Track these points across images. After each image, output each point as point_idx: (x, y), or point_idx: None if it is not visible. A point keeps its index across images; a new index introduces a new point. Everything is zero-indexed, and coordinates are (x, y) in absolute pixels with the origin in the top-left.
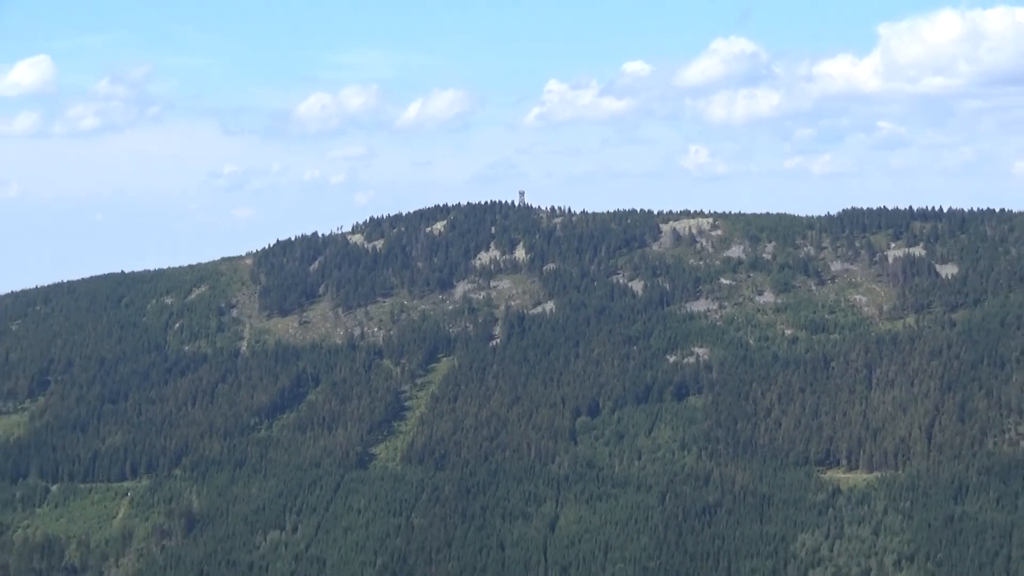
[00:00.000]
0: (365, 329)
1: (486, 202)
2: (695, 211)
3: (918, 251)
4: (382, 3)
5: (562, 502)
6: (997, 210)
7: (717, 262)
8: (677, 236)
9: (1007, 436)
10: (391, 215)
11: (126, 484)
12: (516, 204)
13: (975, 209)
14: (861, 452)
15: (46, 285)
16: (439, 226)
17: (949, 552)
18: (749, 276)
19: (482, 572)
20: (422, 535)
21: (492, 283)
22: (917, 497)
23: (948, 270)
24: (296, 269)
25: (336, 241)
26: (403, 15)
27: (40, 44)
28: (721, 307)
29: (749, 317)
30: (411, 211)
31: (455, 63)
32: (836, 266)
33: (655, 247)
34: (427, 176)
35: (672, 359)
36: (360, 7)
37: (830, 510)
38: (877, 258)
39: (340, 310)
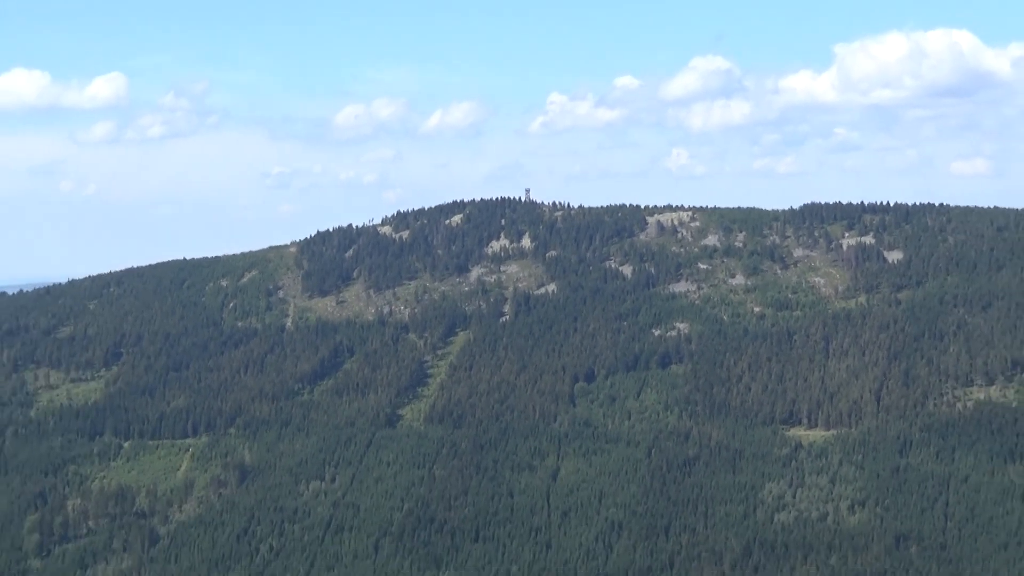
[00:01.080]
0: (393, 307)
1: (497, 198)
2: (676, 206)
3: (868, 240)
4: (408, 27)
5: (562, 456)
6: (937, 204)
7: (695, 249)
8: (661, 227)
9: (945, 399)
10: (415, 209)
11: (188, 441)
12: (523, 200)
13: (918, 204)
14: (819, 412)
15: (119, 270)
16: (456, 219)
17: (895, 498)
18: (723, 261)
19: (494, 516)
20: (442, 484)
21: (502, 268)
22: (868, 451)
23: (894, 256)
24: (334, 256)
25: (368, 232)
26: (426, 38)
27: (114, 63)
28: (699, 288)
29: (723, 297)
30: (432, 206)
31: (470, 79)
32: (798, 253)
33: (642, 237)
34: (446, 176)
35: (657, 333)
36: (389, 31)
37: (793, 462)
38: (833, 246)
39: (371, 291)
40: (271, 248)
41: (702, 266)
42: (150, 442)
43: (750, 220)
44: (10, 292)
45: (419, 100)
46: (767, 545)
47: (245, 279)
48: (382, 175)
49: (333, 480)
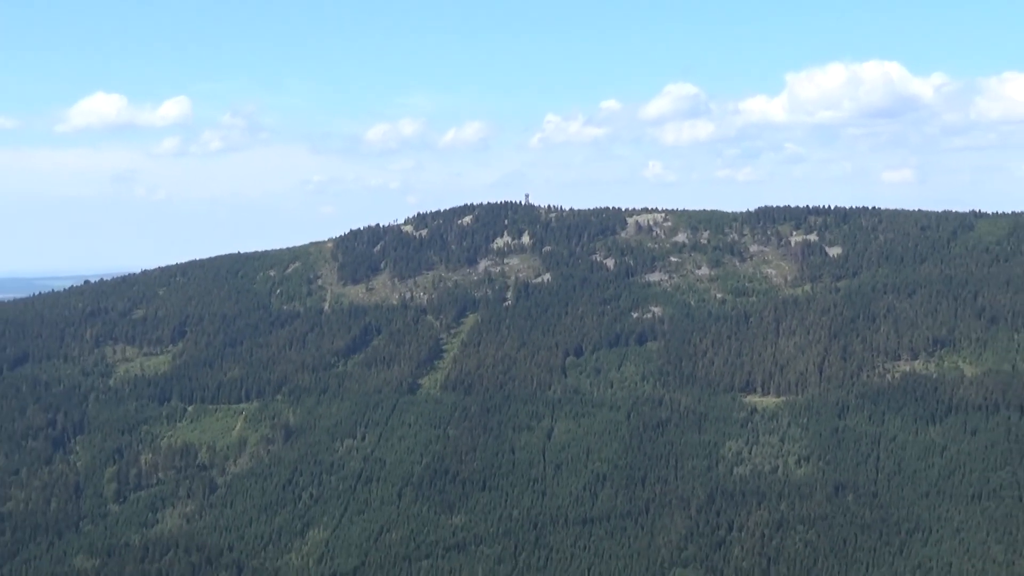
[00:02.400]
0: (413, 293)
1: (501, 202)
2: (651, 208)
3: (812, 237)
4: (428, 59)
5: (556, 418)
6: (870, 208)
7: (667, 245)
8: (639, 226)
9: (876, 371)
10: (432, 211)
11: (241, 405)
12: (523, 203)
13: (854, 207)
14: (771, 382)
15: (184, 262)
16: (467, 219)
17: (834, 454)
18: (690, 255)
19: (498, 469)
20: (455, 442)
21: (505, 260)
22: (811, 415)
23: (834, 251)
24: (364, 250)
25: (393, 230)
26: (443, 68)
27: (181, 88)
28: (670, 278)
29: (690, 285)
30: (447, 208)
31: (479, 103)
32: (753, 248)
33: (623, 234)
34: (458, 183)
35: (635, 315)
36: (413, 62)
37: (748, 424)
38: (783, 243)
39: (396, 280)
40: (311, 244)
41: (673, 259)
42: (210, 406)
43: (713, 221)
44: (93, 280)
45: (436, 120)
46: (727, 494)
47: (290, 270)
48: (405, 182)
49: (363, 438)
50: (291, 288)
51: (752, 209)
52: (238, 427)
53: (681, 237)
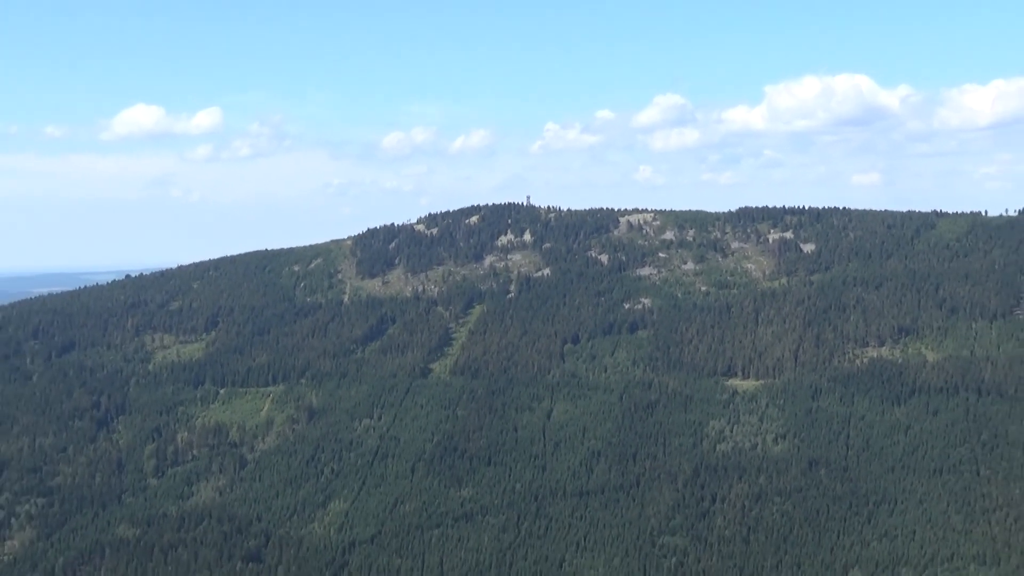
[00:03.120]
0: (425, 286)
1: (505, 203)
2: (642, 209)
3: (788, 235)
4: (438, 73)
5: (555, 400)
6: (841, 208)
7: (656, 243)
8: (630, 225)
9: (847, 356)
10: (442, 212)
11: (269, 388)
12: (525, 204)
13: (826, 207)
14: (751, 367)
15: (216, 258)
16: (474, 219)
17: (808, 432)
18: (678, 252)
19: (502, 446)
20: (463, 421)
21: (509, 256)
22: (787, 396)
23: (808, 247)
24: (380, 247)
25: (406, 229)
26: (452, 82)
27: (213, 99)
28: (659, 272)
29: (677, 279)
30: (455, 209)
31: (485, 113)
32: (734, 245)
33: (615, 232)
34: (466, 186)
35: (627, 306)
36: (424, 75)
37: (730, 405)
38: (761, 240)
39: (409, 274)
40: (332, 241)
41: (661, 255)
42: (240, 389)
43: (698, 220)
44: (133, 274)
45: (446, 128)
46: (711, 469)
47: (312, 265)
48: (417, 185)
49: (379, 418)
50: (313, 282)
51: (733, 209)
52: (266, 408)
53: (669, 235)
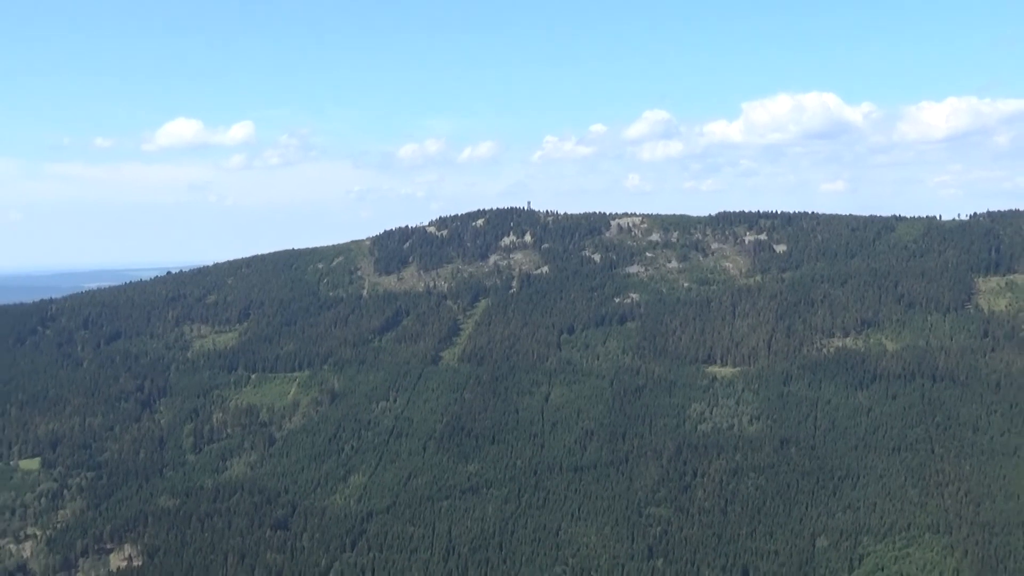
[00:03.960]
0: (436, 282)
1: (508, 208)
2: (631, 213)
3: (763, 237)
4: (448, 91)
5: (552, 384)
6: (810, 213)
7: (644, 243)
8: (620, 228)
9: (815, 346)
10: (452, 215)
11: (295, 374)
12: (526, 208)
13: (797, 212)
14: (728, 355)
15: (248, 256)
16: (480, 222)
17: (780, 414)
18: (663, 252)
19: (504, 426)
20: (470, 404)
21: (511, 256)
22: (761, 382)
23: (780, 248)
24: (395, 247)
25: (419, 231)
26: (461, 98)
27: (246, 114)
28: (646, 270)
29: (662, 276)
30: (464, 213)
31: (491, 127)
32: (714, 246)
33: (607, 234)
34: (473, 192)
35: (617, 300)
36: (436, 93)
37: (710, 390)
38: (738, 241)
39: (421, 271)
40: (352, 242)
41: (648, 255)
42: (269, 374)
43: (682, 223)
44: (173, 271)
45: (455, 140)
46: (692, 447)
47: (335, 263)
48: (429, 192)
49: (395, 401)
50: (336, 278)
51: (713, 214)
52: (292, 391)
53: (655, 237)
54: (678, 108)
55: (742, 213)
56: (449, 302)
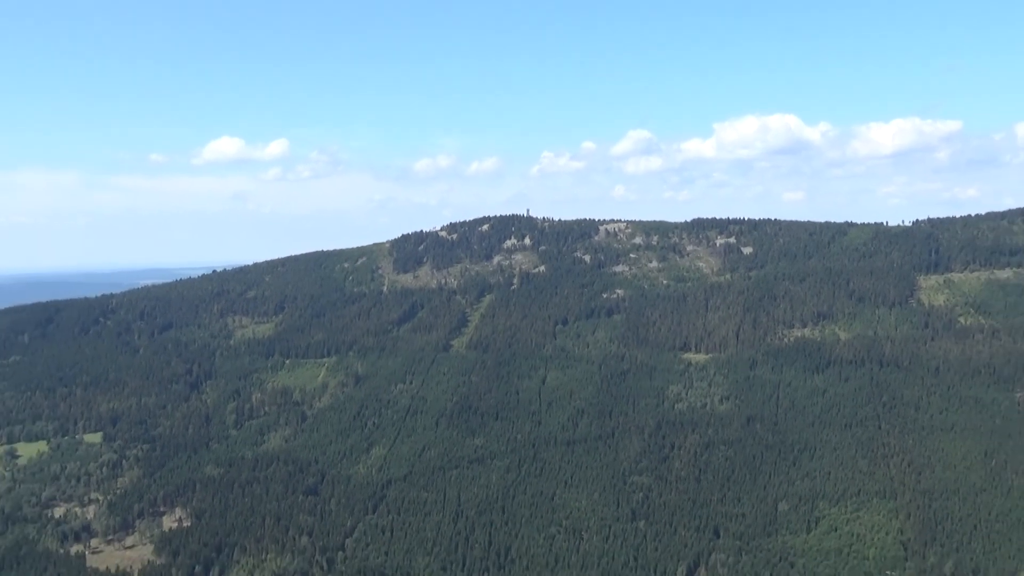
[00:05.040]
0: (447, 280)
1: (510, 215)
2: (617, 220)
3: (732, 240)
4: (458, 114)
5: (548, 369)
6: (773, 219)
7: (628, 246)
8: (607, 232)
9: (777, 335)
10: (461, 221)
11: (324, 359)
12: (525, 216)
13: (761, 219)
14: (702, 344)
15: (283, 257)
16: (485, 227)
17: (747, 395)
18: (644, 253)
19: (507, 405)
20: (476, 385)
21: (512, 256)
22: (731, 367)
23: (747, 250)
24: (411, 249)
25: (432, 235)
26: (469, 120)
27: (281, 133)
28: (630, 269)
29: (644, 274)
30: (471, 219)
31: (495, 144)
32: (689, 248)
33: (596, 238)
34: (480, 201)
35: (605, 295)
36: (446, 115)
37: (685, 373)
38: (711, 244)
39: (434, 270)
40: (374, 244)
41: (632, 256)
42: (301, 360)
43: (661, 229)
44: (218, 270)
45: (464, 156)
46: (670, 423)
47: (359, 263)
48: (441, 201)
49: (411, 383)
50: (359, 276)
51: (688, 220)
52: (321, 375)
53: (638, 240)
54: (658, 128)
55: (714, 220)
56: (458, 297)
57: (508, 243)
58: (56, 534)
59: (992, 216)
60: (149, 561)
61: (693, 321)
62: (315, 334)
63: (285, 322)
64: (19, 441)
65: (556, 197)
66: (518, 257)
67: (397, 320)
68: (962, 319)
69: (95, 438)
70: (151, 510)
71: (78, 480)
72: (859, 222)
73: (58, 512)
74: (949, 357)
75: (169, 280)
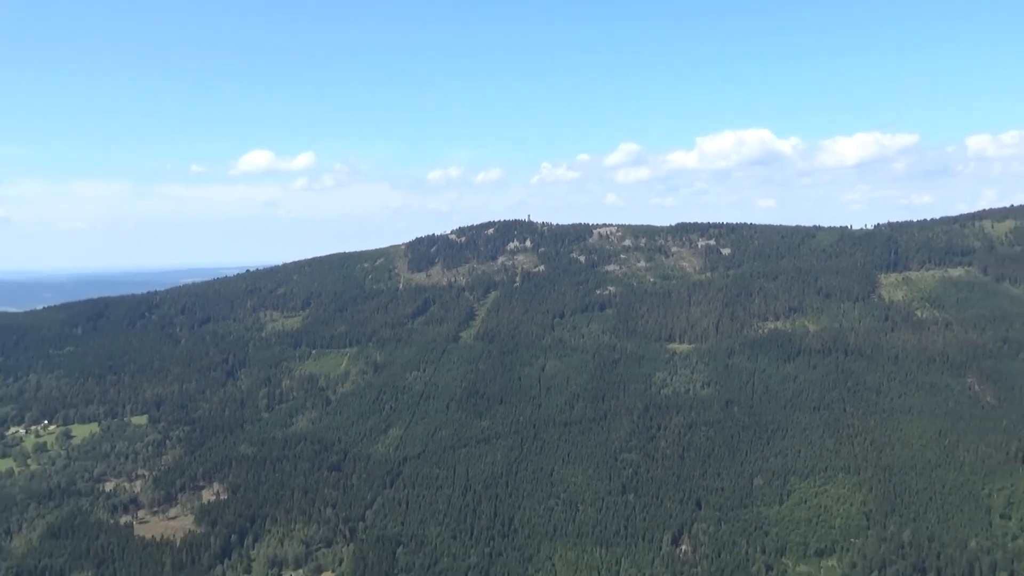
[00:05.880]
0: (456, 278)
1: (513, 220)
2: (609, 224)
3: (712, 242)
4: (466, 129)
5: (547, 358)
6: (748, 223)
7: (619, 247)
8: (600, 235)
9: (753, 327)
10: (469, 225)
11: (346, 349)
12: (527, 220)
13: (738, 223)
14: (685, 335)
15: (309, 258)
16: (491, 231)
17: (725, 381)
18: (633, 254)
19: (510, 390)
20: (483, 373)
21: (515, 257)
22: (711, 356)
23: (726, 251)
24: (425, 250)
25: (443, 238)
26: (476, 135)
27: (308, 146)
28: (620, 268)
29: (633, 273)
30: (478, 223)
31: (499, 156)
32: (674, 249)
33: (590, 241)
34: (486, 207)
35: (598, 291)
36: (456, 131)
37: (670, 362)
38: (693, 246)
39: (445, 269)
40: (391, 246)
41: (622, 256)
42: (326, 350)
43: (649, 232)
44: (251, 269)
45: (472, 167)
46: (656, 406)
47: (377, 263)
48: (451, 207)
49: (424, 370)
50: (377, 275)
51: (673, 224)
52: (344, 363)
53: (627, 242)
54: (646, 141)
55: (696, 224)
56: (466, 294)
57: (511, 245)
58: (107, 506)
59: (945, 220)
60: (190, 530)
61: (677, 315)
62: (338, 327)
63: (311, 316)
64: (73, 423)
65: (554, 204)
66: (520, 258)
67: (411, 314)
68: (918, 313)
69: (141, 420)
70: (192, 485)
71: (126, 458)
72: (826, 226)
73: (108, 486)
74: (907, 347)
75: (207, 279)
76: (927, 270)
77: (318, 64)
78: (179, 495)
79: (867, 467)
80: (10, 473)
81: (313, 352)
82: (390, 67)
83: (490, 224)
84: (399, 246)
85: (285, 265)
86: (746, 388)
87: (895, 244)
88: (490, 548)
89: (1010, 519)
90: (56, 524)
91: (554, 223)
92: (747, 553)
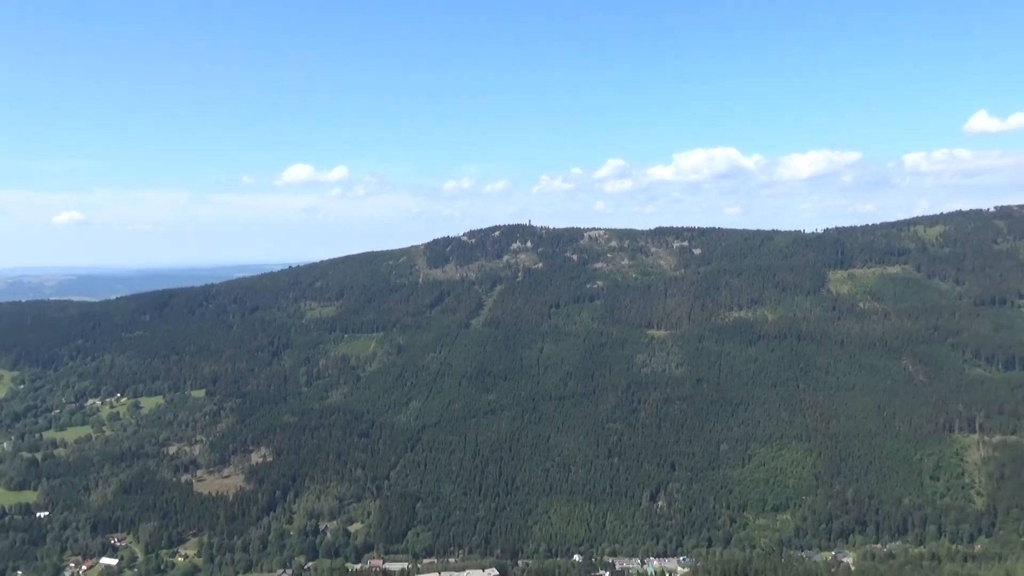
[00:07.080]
0: (468, 274)
1: (516, 224)
2: (597, 228)
3: (686, 244)
4: (476, 147)
5: (545, 342)
6: (717, 227)
7: (606, 248)
8: (590, 238)
9: (722, 316)
10: (478, 229)
11: (373, 334)
12: (528, 225)
13: (708, 227)
14: (663, 322)
15: (342, 256)
16: (497, 233)
17: (697, 362)
18: (619, 254)
19: (513, 368)
20: (490, 354)
21: (518, 256)
22: (685, 340)
23: (697, 251)
24: (441, 250)
25: (456, 240)
26: (484, 151)
27: (342, 161)
28: (607, 266)
29: (618, 270)
30: (486, 227)
31: (505, 169)
32: (653, 250)
33: (581, 242)
34: (493, 213)
35: (588, 285)
36: (468, 148)
37: (650, 345)
38: (669, 247)
39: (458, 266)
40: (411, 247)
41: (609, 256)
42: (356, 334)
43: (631, 235)
44: (293, 266)
45: (481, 179)
46: (637, 383)
47: (400, 260)
48: (463, 213)
49: (440, 352)
50: (400, 271)
51: (652, 228)
52: (372, 346)
53: (613, 244)
54: (631, 157)
55: (672, 228)
56: (476, 287)
57: (514, 246)
58: (170, 467)
59: (885, 226)
60: (241, 487)
61: (655, 305)
62: (367, 315)
63: (344, 306)
64: (142, 396)
65: (551, 211)
66: (522, 257)
67: (429, 304)
68: (861, 304)
69: (200, 393)
70: (242, 448)
71: (187, 425)
72: (783, 230)
73: (171, 450)
74: (851, 333)
75: (255, 274)
76: (869, 268)
77: (351, 93)
78: (231, 457)
79: (816, 435)
80: (88, 438)
81: (345, 336)
82: (411, 95)
83: (496, 228)
84: (419, 246)
85: (322, 262)
86: (714, 368)
87: (842, 246)
88: (495, 503)
89: (938, 480)
90: (127, 481)
91: (551, 227)
92: (714, 508)
